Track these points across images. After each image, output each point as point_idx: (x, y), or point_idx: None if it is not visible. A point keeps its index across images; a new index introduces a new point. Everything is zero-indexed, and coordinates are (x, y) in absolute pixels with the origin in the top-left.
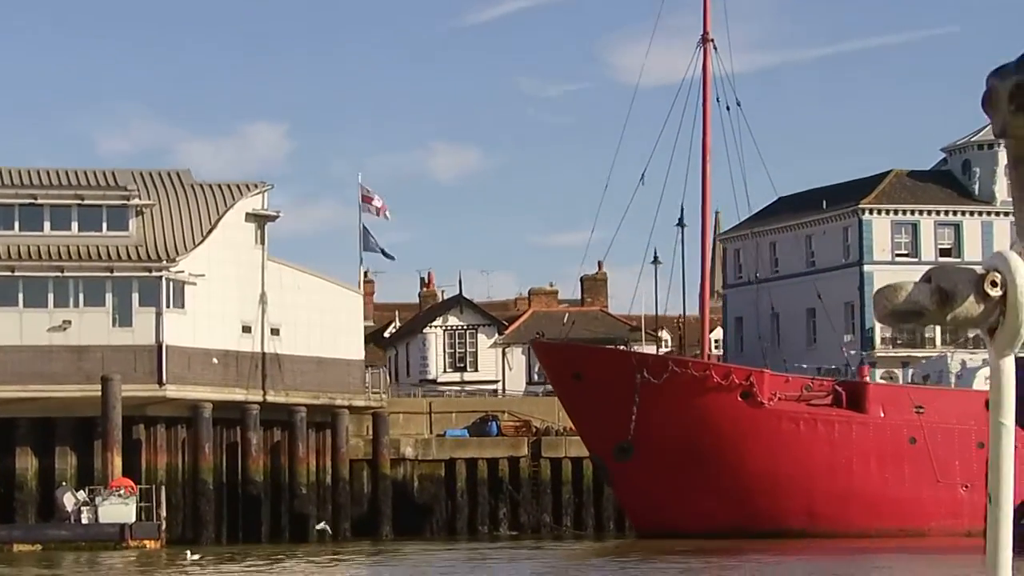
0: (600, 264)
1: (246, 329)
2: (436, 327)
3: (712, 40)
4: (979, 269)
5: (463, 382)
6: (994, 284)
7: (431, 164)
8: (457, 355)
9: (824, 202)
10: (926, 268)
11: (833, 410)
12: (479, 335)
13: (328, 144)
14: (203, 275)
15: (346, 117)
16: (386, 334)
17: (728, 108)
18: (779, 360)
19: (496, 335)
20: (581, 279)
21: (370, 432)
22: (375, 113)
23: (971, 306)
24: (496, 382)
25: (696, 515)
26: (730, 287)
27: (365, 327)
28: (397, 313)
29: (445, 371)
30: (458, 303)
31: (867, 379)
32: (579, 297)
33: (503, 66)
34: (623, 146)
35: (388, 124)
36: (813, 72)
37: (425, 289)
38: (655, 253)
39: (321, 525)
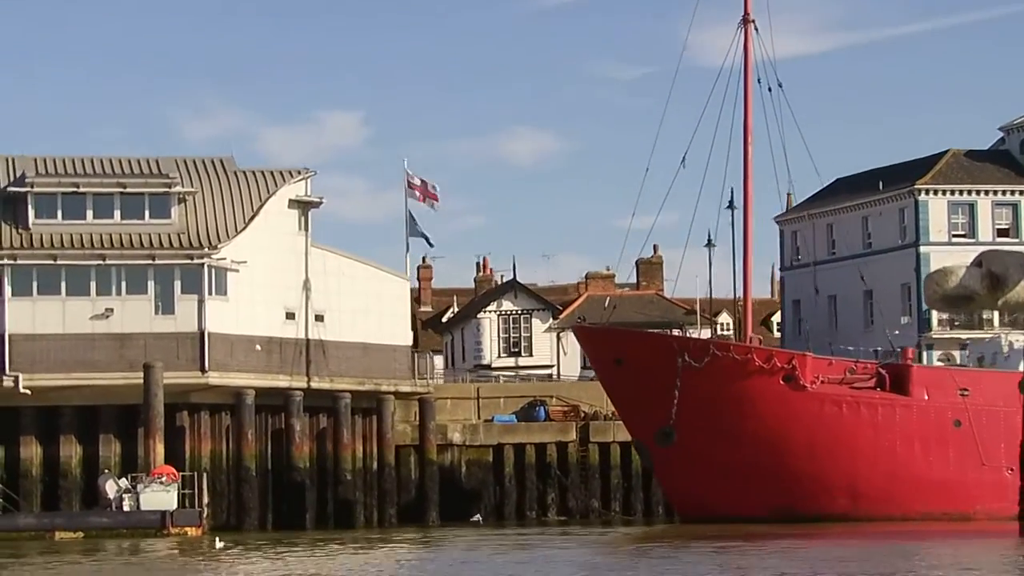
0: (656, 248)
1: (290, 316)
2: (490, 312)
3: (753, 21)
4: None
5: (518, 367)
6: None
7: (509, 149)
8: (512, 340)
9: (881, 183)
10: (983, 249)
11: (876, 393)
12: (533, 320)
13: (405, 130)
14: (245, 262)
15: (422, 103)
16: (444, 319)
17: (770, 89)
18: (835, 342)
19: (551, 319)
20: (636, 263)
21: (417, 418)
22: (450, 98)
23: (1022, 290)
24: (551, 367)
25: (739, 500)
26: (787, 270)
27: (423, 313)
28: (455, 298)
29: (500, 356)
30: (512, 288)
31: (911, 361)
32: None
33: (580, 50)
34: (675, 129)
35: (465, 109)
36: (869, 54)
37: (481, 274)
38: (708, 236)
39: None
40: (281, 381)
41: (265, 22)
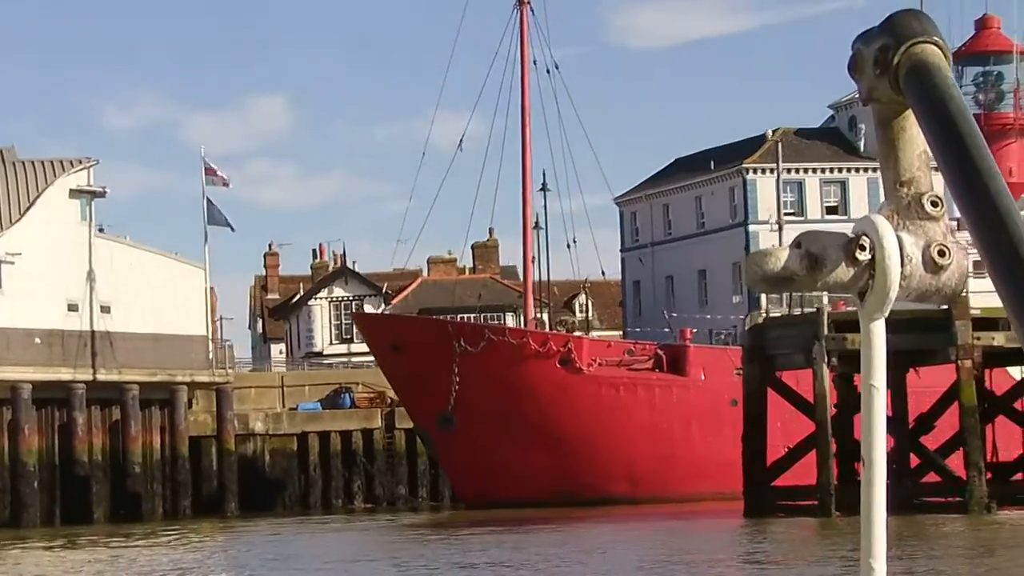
0: (491, 231)
1: (72, 307)
2: (322, 299)
3: (529, 3)
4: (849, 232)
5: (350, 353)
6: (862, 248)
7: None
8: (344, 327)
9: (712, 162)
10: (812, 227)
11: (653, 374)
12: (365, 306)
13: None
14: (20, 254)
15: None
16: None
17: (548, 71)
18: (672, 322)
19: (383, 305)
20: (472, 246)
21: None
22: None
23: (841, 271)
24: None
25: (520, 484)
26: (627, 250)
27: (270, 300)
28: (301, 286)
29: (332, 343)
30: (343, 274)
31: (689, 342)
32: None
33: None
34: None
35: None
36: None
37: (317, 260)
38: (536, 219)
39: None
40: (63, 374)
41: (185, 6)
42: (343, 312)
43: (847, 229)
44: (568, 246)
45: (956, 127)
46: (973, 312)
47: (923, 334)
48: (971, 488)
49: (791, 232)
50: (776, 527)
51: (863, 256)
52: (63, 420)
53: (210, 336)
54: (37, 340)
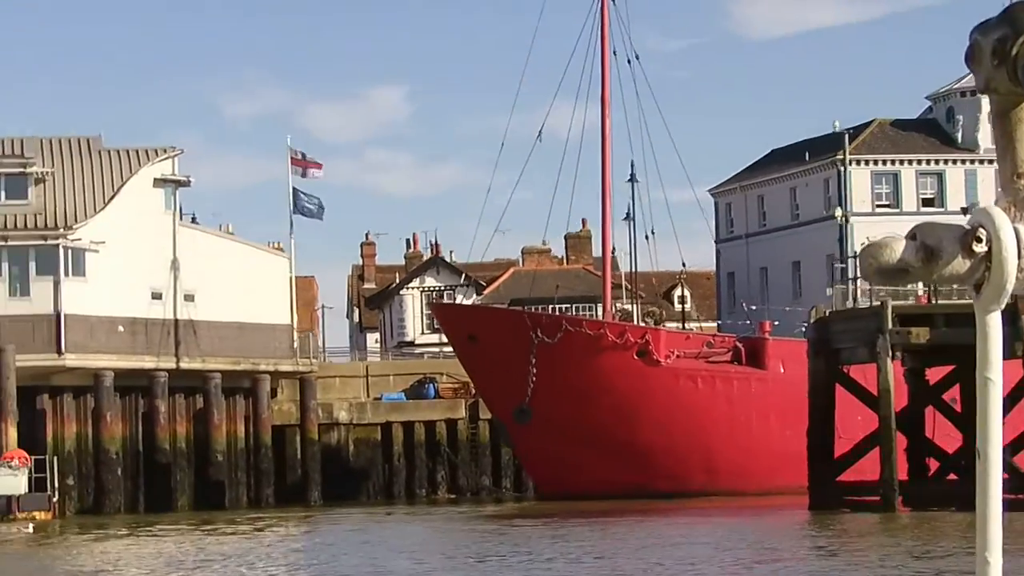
0: (584, 222)
1: (156, 296)
2: (413, 289)
3: None
4: (965, 224)
5: (441, 343)
6: (979, 240)
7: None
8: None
9: (807, 154)
10: (907, 219)
11: (732, 367)
12: (457, 296)
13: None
14: (104, 242)
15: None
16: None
17: (629, 61)
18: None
19: (475, 295)
20: (565, 237)
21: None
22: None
23: (957, 263)
24: None
25: (596, 477)
26: (722, 242)
27: (366, 289)
28: (397, 275)
29: (423, 333)
30: (435, 264)
31: (768, 335)
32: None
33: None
34: None
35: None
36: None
37: (411, 251)
38: (628, 210)
39: None
40: (147, 362)
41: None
42: (433, 302)
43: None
44: (646, 237)
45: None
46: None
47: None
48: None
49: (886, 225)
50: (838, 521)
51: (980, 248)
52: (146, 408)
53: (294, 325)
54: (120, 328)
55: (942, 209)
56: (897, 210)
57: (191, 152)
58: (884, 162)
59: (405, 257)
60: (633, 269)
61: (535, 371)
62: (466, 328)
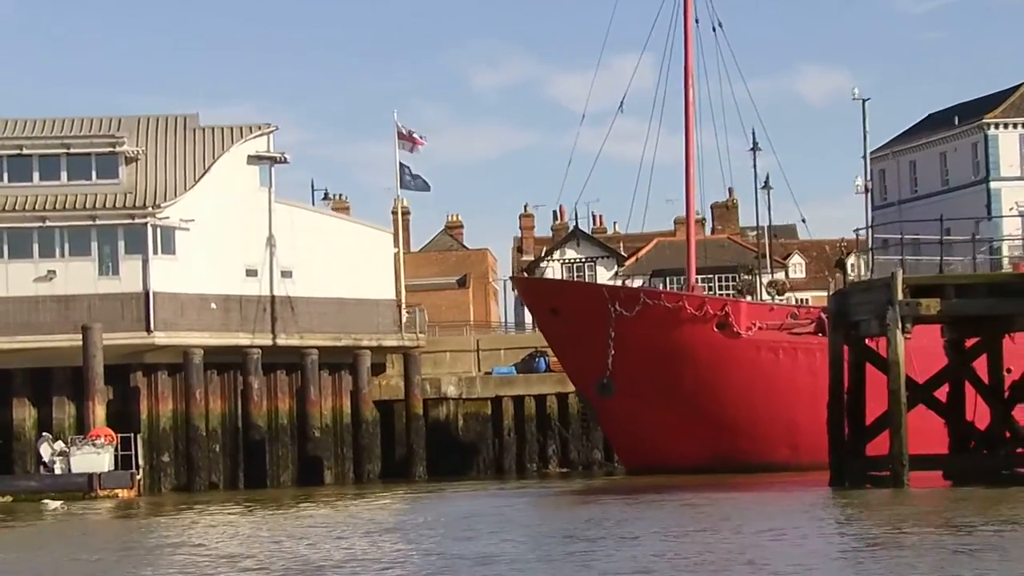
0: (731, 191)
1: (251, 273)
2: (554, 261)
3: None
4: None
5: None
6: None
7: (800, 87)
8: None
9: (956, 118)
10: None
11: (815, 338)
12: (598, 268)
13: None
14: (193, 220)
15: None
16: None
17: (713, 29)
18: None
19: (616, 267)
20: (712, 206)
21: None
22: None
23: None
24: None
25: (679, 450)
26: (878, 208)
27: (524, 261)
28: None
29: None
30: (575, 236)
31: None
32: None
33: None
34: None
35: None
36: None
37: (557, 222)
38: (766, 178)
39: None
40: (241, 339)
41: None
42: (575, 274)
43: None
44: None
45: None
46: None
47: (1009, 299)
48: None
49: None
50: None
51: None
52: (243, 385)
53: (400, 301)
54: (213, 305)
55: None
56: None
57: (437, 125)
58: None
59: (552, 229)
60: (768, 239)
61: (614, 344)
62: (548, 302)
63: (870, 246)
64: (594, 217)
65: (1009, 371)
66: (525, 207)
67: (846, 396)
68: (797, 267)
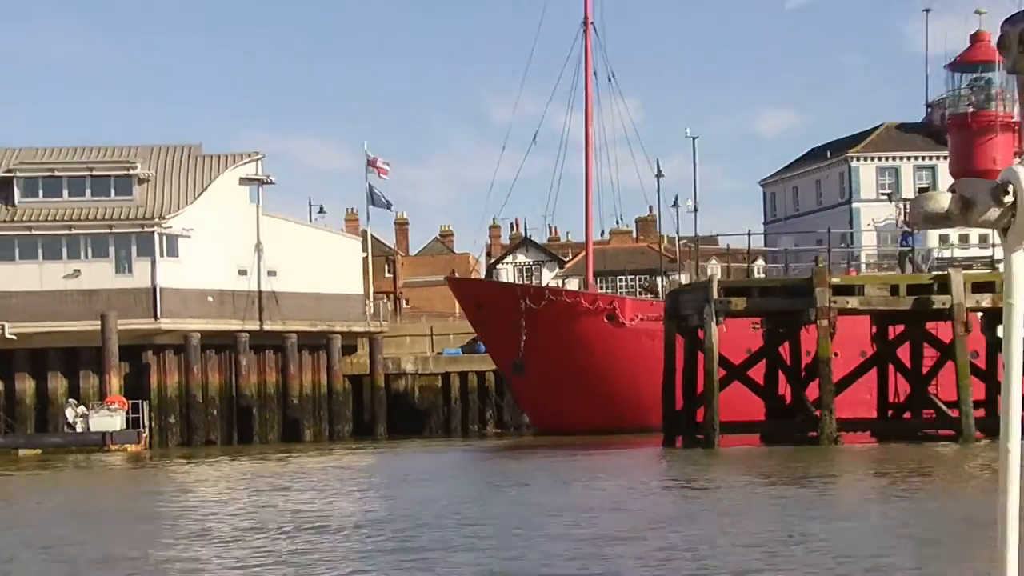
0: (651, 208)
1: (242, 272)
2: (508, 263)
3: (593, 24)
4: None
5: None
6: (1007, 193)
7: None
8: None
9: (828, 152)
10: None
11: None
12: (543, 270)
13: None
14: (193, 229)
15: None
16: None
17: (609, 79)
18: None
19: (557, 268)
20: (636, 219)
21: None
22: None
23: (990, 212)
24: None
25: (576, 417)
26: (768, 223)
27: (491, 263)
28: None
29: None
30: (525, 243)
31: None
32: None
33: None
34: None
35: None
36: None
37: (513, 232)
38: (675, 198)
39: None
40: (233, 325)
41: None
42: (524, 275)
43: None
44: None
45: None
46: (833, 281)
47: (793, 298)
48: (823, 424)
49: (888, 210)
50: (680, 458)
51: (1007, 199)
52: (235, 362)
53: (367, 295)
54: (210, 298)
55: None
56: (899, 196)
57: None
58: (887, 158)
59: (510, 238)
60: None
61: (525, 333)
62: (474, 298)
63: (695, 257)
64: (550, 228)
65: (836, 355)
66: (493, 219)
67: (680, 374)
68: (715, 270)
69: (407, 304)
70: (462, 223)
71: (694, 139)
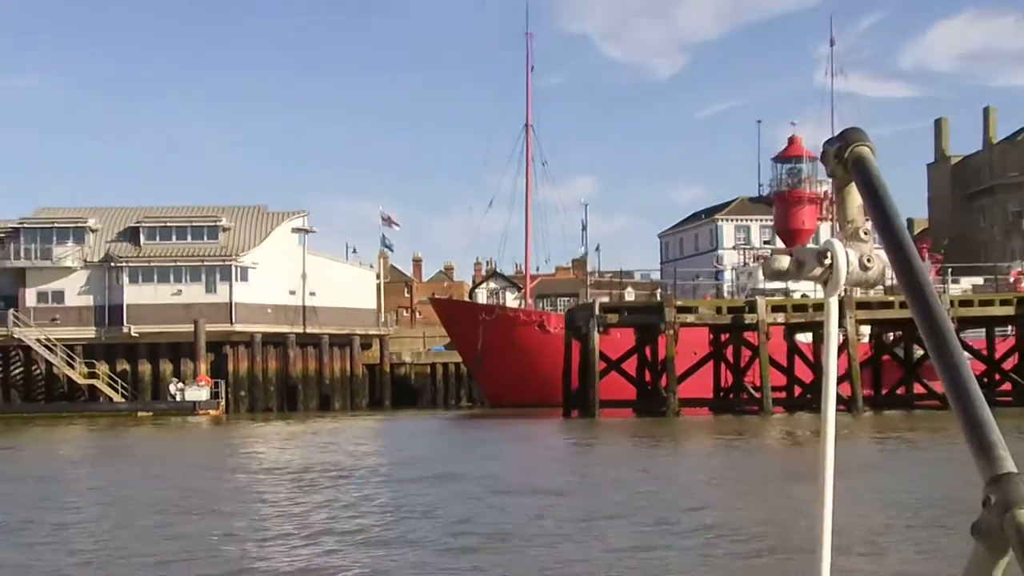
0: (582, 252)
1: (292, 292)
2: (483, 289)
3: (531, 126)
4: (819, 248)
5: None
6: (826, 256)
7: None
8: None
9: (703, 215)
10: (756, 252)
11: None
12: (507, 294)
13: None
14: (258, 263)
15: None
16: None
17: (543, 164)
18: None
19: (517, 292)
20: (572, 259)
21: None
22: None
23: (816, 270)
24: None
25: (517, 395)
26: (666, 262)
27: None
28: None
29: None
30: (494, 275)
31: None
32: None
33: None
34: None
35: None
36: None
37: (487, 267)
38: (598, 245)
39: None
40: (284, 329)
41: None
42: (493, 297)
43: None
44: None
45: (881, 197)
46: (678, 303)
47: (650, 315)
48: (669, 402)
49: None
50: (572, 424)
51: (827, 261)
52: (286, 355)
53: (379, 309)
54: (269, 310)
55: (772, 244)
56: (748, 245)
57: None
58: (741, 220)
59: (484, 272)
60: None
61: (482, 336)
62: (448, 313)
63: (587, 286)
64: (515, 264)
65: (695, 353)
66: (476, 259)
67: (576, 367)
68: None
69: (419, 316)
70: (460, 260)
71: (586, 205)
